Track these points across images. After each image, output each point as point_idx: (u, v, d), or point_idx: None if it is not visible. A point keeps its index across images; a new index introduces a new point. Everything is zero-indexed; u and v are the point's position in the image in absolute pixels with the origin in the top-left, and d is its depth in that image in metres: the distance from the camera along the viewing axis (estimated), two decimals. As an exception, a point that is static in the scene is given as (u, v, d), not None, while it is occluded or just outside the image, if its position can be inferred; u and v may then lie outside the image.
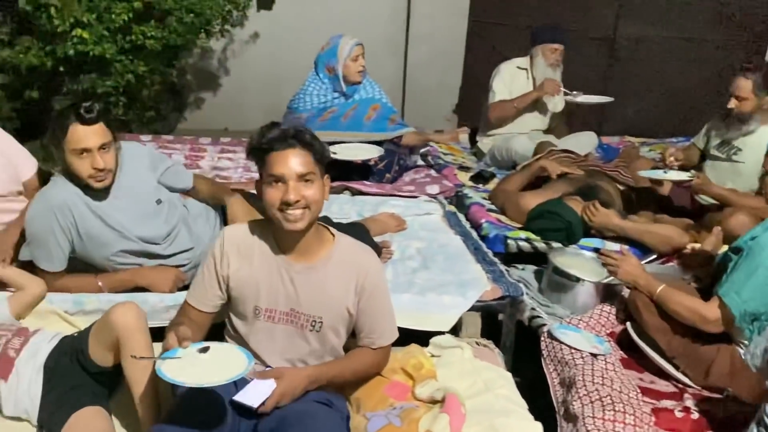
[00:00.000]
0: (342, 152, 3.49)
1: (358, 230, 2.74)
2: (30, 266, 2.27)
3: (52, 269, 2.22)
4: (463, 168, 4.23)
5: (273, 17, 5.98)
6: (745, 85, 3.43)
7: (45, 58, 4.06)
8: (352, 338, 1.97)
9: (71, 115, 2.08)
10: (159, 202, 2.36)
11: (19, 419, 1.94)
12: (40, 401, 1.89)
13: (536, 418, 2.02)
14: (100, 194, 2.23)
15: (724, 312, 2.14)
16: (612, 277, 2.55)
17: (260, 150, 1.77)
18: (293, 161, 1.74)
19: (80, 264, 2.29)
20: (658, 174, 3.25)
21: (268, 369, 1.85)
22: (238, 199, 2.51)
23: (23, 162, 2.62)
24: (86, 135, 2.09)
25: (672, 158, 3.39)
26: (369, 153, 3.56)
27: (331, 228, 1.93)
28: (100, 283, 2.28)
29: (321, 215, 3.01)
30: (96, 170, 2.14)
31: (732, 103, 3.48)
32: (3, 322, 2.05)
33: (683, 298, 2.25)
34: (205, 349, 1.64)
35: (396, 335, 1.95)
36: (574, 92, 4.35)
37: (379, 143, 3.69)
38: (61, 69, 4.16)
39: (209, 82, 6.15)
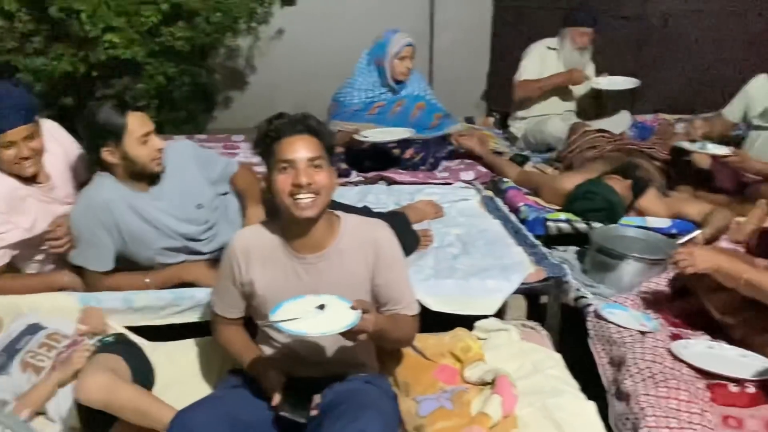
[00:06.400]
0: (373, 135, 3.49)
1: (398, 220, 2.74)
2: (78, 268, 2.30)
3: (100, 269, 2.25)
4: (497, 153, 4.20)
5: (297, 12, 5.97)
6: None
7: (78, 64, 4.11)
8: None
9: None
10: (200, 206, 2.36)
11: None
12: (74, 412, 1.87)
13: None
14: (141, 194, 2.26)
15: None
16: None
17: (269, 138, 1.77)
18: (302, 146, 1.75)
19: (126, 263, 2.33)
20: (693, 146, 3.19)
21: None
22: (257, 211, 2.45)
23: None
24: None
25: (699, 130, 3.31)
26: (400, 134, 3.55)
27: (335, 212, 1.91)
28: (147, 280, 2.31)
29: (360, 205, 3.06)
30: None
31: None
32: (58, 330, 2.07)
33: None
34: (321, 306, 1.67)
35: (418, 309, 1.94)
36: (600, 77, 4.26)
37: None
38: (94, 74, 4.21)
39: (237, 81, 6.18)
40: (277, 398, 1.73)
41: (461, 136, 3.89)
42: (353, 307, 1.65)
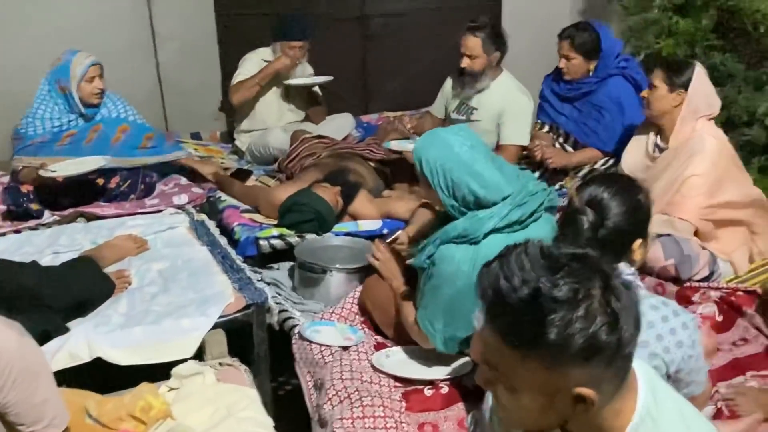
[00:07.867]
0: (62, 169, 3.11)
1: (81, 268, 2.43)
2: None
3: None
4: (224, 169, 3.99)
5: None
6: (474, 43, 3.49)
7: None
8: None
9: None
10: None
11: None
12: None
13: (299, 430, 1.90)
14: None
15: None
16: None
17: None
18: None
19: None
20: (401, 145, 3.24)
21: None
22: None
23: None
24: None
25: (407, 124, 3.39)
26: (94, 163, 3.18)
27: None
28: None
29: (49, 252, 2.69)
30: None
31: (464, 62, 3.51)
32: None
33: (409, 312, 2.14)
34: None
35: (68, 417, 1.60)
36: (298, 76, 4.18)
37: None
38: None
39: None
40: None
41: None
42: None
